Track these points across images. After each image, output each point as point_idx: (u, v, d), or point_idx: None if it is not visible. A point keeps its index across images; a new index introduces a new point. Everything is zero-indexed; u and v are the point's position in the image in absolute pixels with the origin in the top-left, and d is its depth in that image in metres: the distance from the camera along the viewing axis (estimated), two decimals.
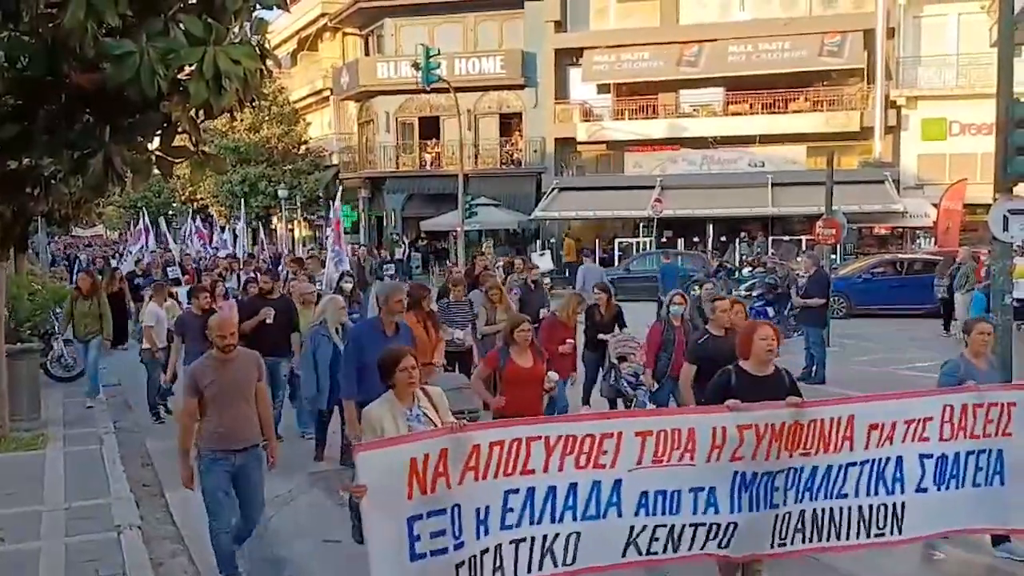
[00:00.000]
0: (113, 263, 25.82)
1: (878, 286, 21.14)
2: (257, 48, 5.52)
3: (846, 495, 5.19)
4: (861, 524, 5.25)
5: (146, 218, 29.27)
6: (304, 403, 9.85)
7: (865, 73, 30.36)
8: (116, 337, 14.54)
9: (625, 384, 9.54)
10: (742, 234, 30.50)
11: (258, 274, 12.74)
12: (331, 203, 23.55)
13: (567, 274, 28.19)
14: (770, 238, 29.96)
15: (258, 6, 5.75)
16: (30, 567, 6.12)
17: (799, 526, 5.13)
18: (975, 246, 19.94)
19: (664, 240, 30.14)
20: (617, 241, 32.20)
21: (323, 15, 40.76)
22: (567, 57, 33.67)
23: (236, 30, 5.61)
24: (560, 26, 33.69)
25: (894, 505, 5.30)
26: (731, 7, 32.35)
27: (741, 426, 4.90)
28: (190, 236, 33.65)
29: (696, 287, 23.98)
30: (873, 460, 5.22)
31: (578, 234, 33.70)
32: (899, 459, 5.29)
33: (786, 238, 29.59)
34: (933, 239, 27.80)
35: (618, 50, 32.62)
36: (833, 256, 22.38)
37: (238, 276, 17.75)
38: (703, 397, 5.75)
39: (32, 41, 5.51)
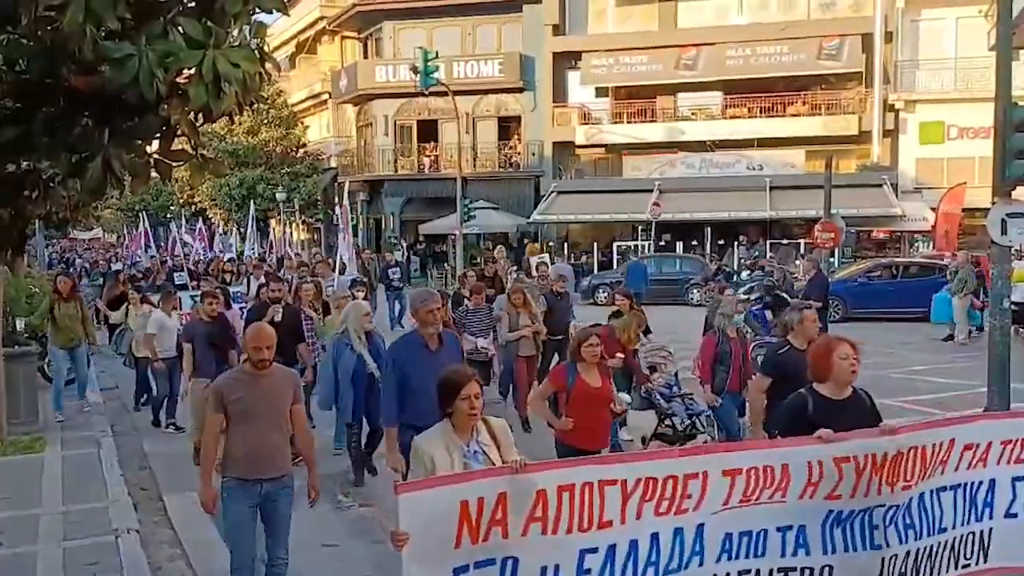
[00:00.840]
0: (116, 266, 25.35)
1: (873, 290, 21.15)
2: (256, 51, 5.51)
3: (945, 528, 4.66)
4: (951, 557, 4.73)
5: (146, 222, 28.59)
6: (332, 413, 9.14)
7: (863, 77, 30.44)
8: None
9: (658, 396, 9.00)
10: (740, 237, 30.52)
11: (269, 280, 12.40)
12: (337, 204, 23.12)
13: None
14: (768, 242, 30.00)
15: (257, 9, 5.73)
16: (27, 571, 6.09)
17: (903, 570, 4.53)
18: (973, 250, 19.96)
19: (663, 243, 30.17)
20: (616, 244, 32.22)
21: (322, 18, 40.82)
22: (565, 60, 33.72)
23: (235, 33, 5.60)
24: (558, 29, 33.76)
25: (981, 532, 4.83)
26: (729, 11, 32.42)
27: (838, 459, 4.30)
28: (196, 238, 32.89)
29: (695, 291, 24.23)
30: (965, 484, 4.75)
31: (577, 237, 33.76)
32: (992, 482, 4.82)
33: (784, 241, 29.63)
34: (931, 243, 27.84)
35: (616, 53, 32.70)
36: (831, 260, 22.43)
37: (247, 280, 16.88)
38: (773, 424, 5.30)
39: (30, 44, 5.50)
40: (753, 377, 7.31)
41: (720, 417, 8.39)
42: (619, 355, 8.85)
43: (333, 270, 15.28)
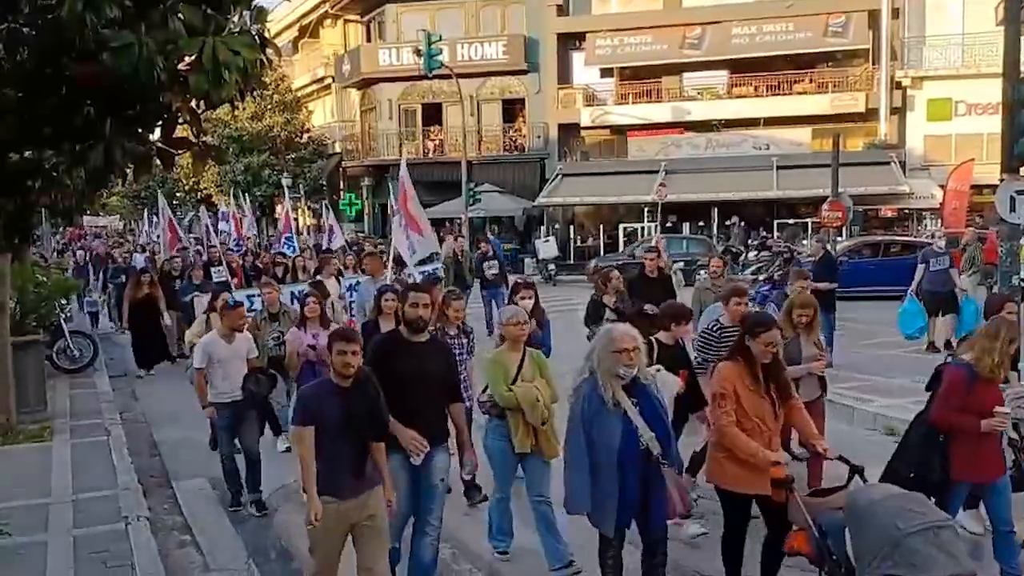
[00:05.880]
0: (138, 258, 20.74)
1: (856, 268, 20.51)
2: (257, 37, 5.49)
3: None
4: None
5: (167, 207, 22.64)
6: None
7: (870, 54, 30.23)
8: (151, 358, 13.66)
9: None
10: (734, 218, 30.19)
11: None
12: (390, 183, 19.61)
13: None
14: (775, 221, 29.88)
15: None
16: (37, 560, 6.12)
17: None
18: (981, 227, 19.82)
19: (669, 224, 30.08)
20: (622, 226, 32.17)
21: (324, 2, 40.61)
22: (570, 41, 33.55)
23: (235, 19, 5.58)
24: (562, 10, 33.56)
25: None
26: None
27: None
28: (222, 220, 28.30)
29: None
30: None
31: (582, 219, 33.71)
32: None
33: (791, 221, 29.50)
34: (940, 220, 27.69)
35: (621, 34, 32.50)
36: (840, 238, 22.31)
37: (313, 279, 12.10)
38: None
39: (31, 33, 5.49)
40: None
41: None
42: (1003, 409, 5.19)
43: (385, 267, 11.66)
